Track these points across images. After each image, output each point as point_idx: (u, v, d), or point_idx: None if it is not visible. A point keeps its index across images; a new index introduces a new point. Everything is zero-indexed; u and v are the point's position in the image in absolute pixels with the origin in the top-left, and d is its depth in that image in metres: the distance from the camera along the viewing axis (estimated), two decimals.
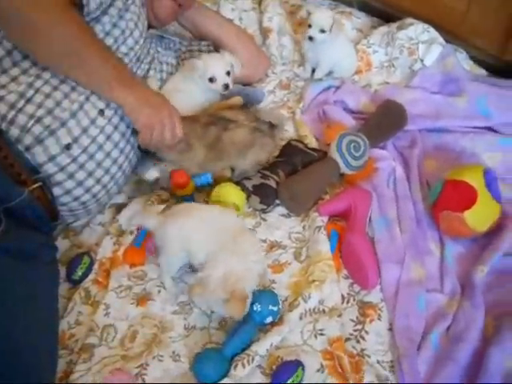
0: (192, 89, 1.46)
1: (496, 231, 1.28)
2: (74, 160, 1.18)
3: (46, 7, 1.09)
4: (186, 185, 1.32)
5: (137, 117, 1.20)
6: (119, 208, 1.40)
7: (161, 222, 1.18)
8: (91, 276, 1.26)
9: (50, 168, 1.15)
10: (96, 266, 1.28)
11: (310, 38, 1.60)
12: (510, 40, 1.62)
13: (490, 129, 1.54)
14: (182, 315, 1.20)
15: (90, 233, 1.36)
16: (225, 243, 1.12)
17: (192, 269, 1.22)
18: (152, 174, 1.30)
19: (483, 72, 1.71)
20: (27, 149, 1.13)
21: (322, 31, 1.59)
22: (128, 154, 1.31)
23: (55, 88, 1.16)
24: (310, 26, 1.61)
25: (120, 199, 1.42)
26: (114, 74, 1.17)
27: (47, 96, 1.15)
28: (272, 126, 1.40)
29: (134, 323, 1.18)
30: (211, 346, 1.14)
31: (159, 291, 1.23)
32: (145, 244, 1.29)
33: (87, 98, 1.19)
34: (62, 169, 1.17)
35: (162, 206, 1.20)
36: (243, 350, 1.10)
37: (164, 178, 1.37)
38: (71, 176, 1.18)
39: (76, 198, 1.21)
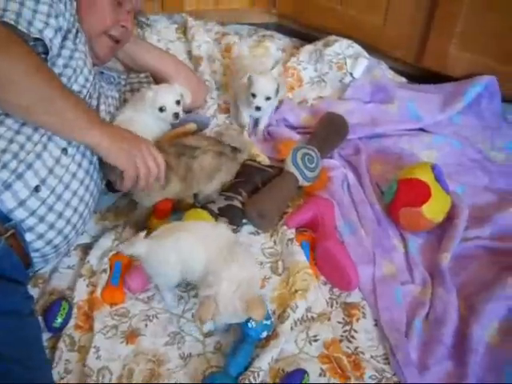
0: (144, 119, 1.46)
1: (448, 221, 1.39)
2: (44, 202, 1.14)
3: (18, 56, 1.06)
4: (170, 209, 1.34)
5: (116, 155, 1.18)
6: (84, 249, 1.37)
7: (150, 245, 1.16)
8: (72, 322, 1.21)
9: (20, 213, 1.11)
10: (75, 311, 1.23)
11: (258, 108, 1.56)
12: (424, 49, 1.77)
13: (422, 129, 1.68)
14: (174, 345, 1.18)
15: (60, 277, 1.30)
16: (220, 254, 1.13)
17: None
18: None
19: (404, 80, 1.87)
20: None
21: (268, 98, 1.56)
22: (92, 191, 1.28)
23: (17, 132, 1.12)
24: (253, 95, 1.54)
25: (84, 239, 1.38)
26: (85, 118, 1.15)
27: (10, 141, 1.11)
28: (234, 149, 1.43)
29: (127, 362, 1.15)
30: (212, 370, 1.14)
31: (146, 325, 1.21)
32: (122, 281, 1.27)
33: (49, 138, 1.16)
34: (32, 213, 1.12)
35: (143, 233, 1.18)
36: (246, 368, 1.12)
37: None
38: (42, 219, 1.14)
39: (49, 242, 1.17)
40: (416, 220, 1.37)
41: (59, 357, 1.15)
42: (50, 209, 1.16)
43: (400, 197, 1.38)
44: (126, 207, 1.47)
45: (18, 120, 1.14)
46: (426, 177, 1.36)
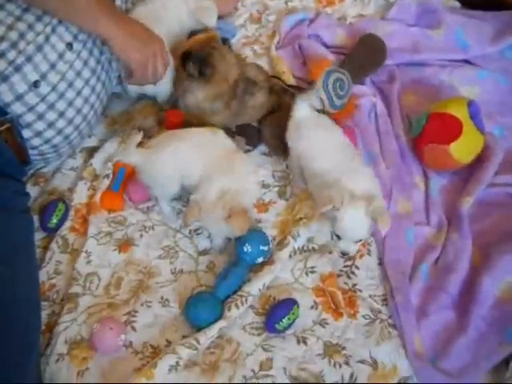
0: (175, 13, 1.37)
1: (478, 163, 1.27)
2: (43, 99, 1.09)
3: None
4: (180, 124, 1.27)
5: (127, 51, 1.11)
6: (90, 152, 1.33)
7: (146, 154, 1.11)
8: (67, 223, 1.20)
9: (17, 108, 1.06)
10: (72, 213, 1.21)
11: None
12: None
13: (466, 61, 1.52)
14: (167, 259, 1.15)
15: (62, 178, 1.28)
16: (219, 163, 1.09)
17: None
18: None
19: (457, 4, 1.67)
20: None
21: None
22: (99, 93, 1.22)
23: (18, 18, 1.05)
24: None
25: (91, 142, 1.34)
26: (100, 7, 1.06)
27: (9, 28, 1.04)
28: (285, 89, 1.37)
29: (117, 270, 1.14)
30: (201, 289, 1.11)
31: (141, 235, 1.19)
32: (123, 188, 1.23)
33: (53, 30, 1.09)
34: (30, 109, 1.07)
35: (136, 140, 1.13)
36: (235, 291, 1.08)
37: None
38: (41, 117, 1.09)
39: (47, 141, 1.13)
40: (442, 158, 1.25)
41: (50, 257, 1.15)
42: (51, 107, 1.10)
43: (428, 131, 1.26)
44: (138, 112, 1.41)
45: (22, 5, 1.06)
46: (460, 113, 1.23)
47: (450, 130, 1.22)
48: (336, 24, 1.62)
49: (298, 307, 1.05)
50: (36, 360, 0.96)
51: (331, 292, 1.10)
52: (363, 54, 1.46)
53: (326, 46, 1.57)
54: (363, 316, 1.07)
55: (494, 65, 1.50)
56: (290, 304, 1.05)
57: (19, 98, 1.06)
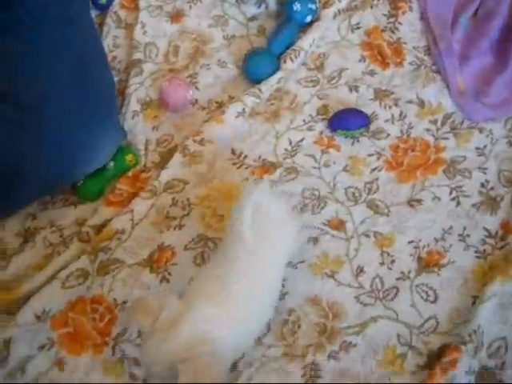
0: None
1: None
2: None
3: None
4: None
5: None
6: None
7: None
8: (117, 0, 1.22)
9: None
10: None
11: None
12: None
13: None
14: (218, 27, 1.20)
15: None
16: None
17: None
18: None
19: None
20: None
21: None
22: None
23: None
24: None
25: None
26: None
27: None
28: None
29: (173, 39, 1.19)
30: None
31: (190, 7, 1.22)
32: None
33: None
34: None
35: None
36: (287, 47, 1.14)
37: None
38: None
39: None
40: None
41: (107, 31, 1.19)
42: None
43: None
44: None
45: None
46: None
47: None
48: None
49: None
50: (117, 112, 1.06)
51: (377, 45, 1.16)
52: None
53: None
54: (409, 63, 1.15)
55: None
56: (360, 121, 1.07)
57: None
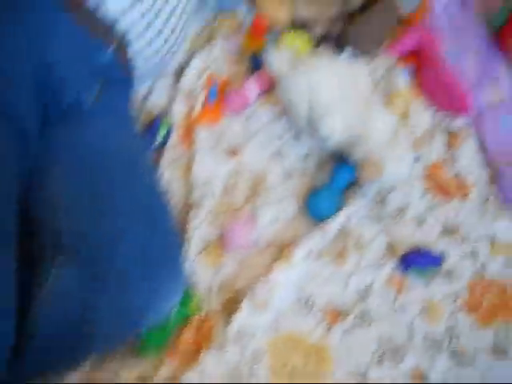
0: None
1: None
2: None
3: None
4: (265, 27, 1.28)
5: None
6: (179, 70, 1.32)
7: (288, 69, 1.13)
8: (171, 140, 1.22)
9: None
10: (173, 129, 1.23)
11: None
12: None
13: None
14: (276, 163, 1.18)
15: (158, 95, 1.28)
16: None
17: None
18: None
19: None
20: None
21: None
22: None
23: None
24: None
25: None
26: None
27: None
28: None
29: (229, 176, 1.17)
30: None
31: (246, 143, 1.21)
32: (219, 100, 1.24)
33: None
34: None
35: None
36: (351, 183, 1.13)
37: None
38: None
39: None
40: None
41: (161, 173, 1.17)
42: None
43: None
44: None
45: None
46: None
47: None
48: None
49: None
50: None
51: (438, 178, 1.15)
52: None
53: None
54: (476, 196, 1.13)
55: None
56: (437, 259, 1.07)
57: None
